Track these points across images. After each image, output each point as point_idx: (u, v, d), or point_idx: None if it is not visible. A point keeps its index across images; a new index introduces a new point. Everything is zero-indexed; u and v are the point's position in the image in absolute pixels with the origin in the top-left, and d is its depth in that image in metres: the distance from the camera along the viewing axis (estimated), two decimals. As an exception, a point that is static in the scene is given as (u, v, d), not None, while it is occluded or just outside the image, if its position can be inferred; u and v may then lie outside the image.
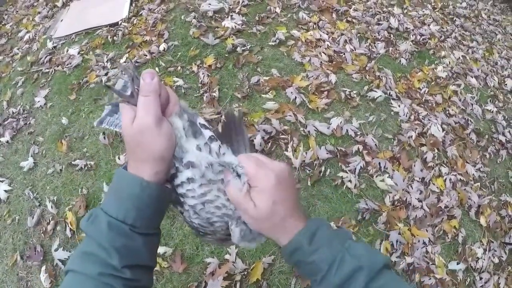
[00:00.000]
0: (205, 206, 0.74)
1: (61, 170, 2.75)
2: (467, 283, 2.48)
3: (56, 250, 2.38)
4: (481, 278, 2.53)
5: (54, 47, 3.70)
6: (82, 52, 3.49)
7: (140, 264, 0.68)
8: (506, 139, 3.42)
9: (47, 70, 3.47)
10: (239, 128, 0.89)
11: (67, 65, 3.41)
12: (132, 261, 0.66)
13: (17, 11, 4.65)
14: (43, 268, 2.35)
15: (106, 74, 3.18)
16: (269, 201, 0.68)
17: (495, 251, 2.68)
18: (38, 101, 3.23)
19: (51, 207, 2.56)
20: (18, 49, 3.98)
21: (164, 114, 0.69)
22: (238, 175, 0.71)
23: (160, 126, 0.65)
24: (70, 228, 2.44)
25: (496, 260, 2.64)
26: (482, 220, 2.75)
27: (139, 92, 0.66)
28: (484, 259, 2.58)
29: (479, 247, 2.62)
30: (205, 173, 0.71)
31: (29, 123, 3.14)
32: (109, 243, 0.63)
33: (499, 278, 2.58)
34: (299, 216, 0.72)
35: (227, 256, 2.24)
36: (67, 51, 3.56)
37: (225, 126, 0.90)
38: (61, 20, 3.99)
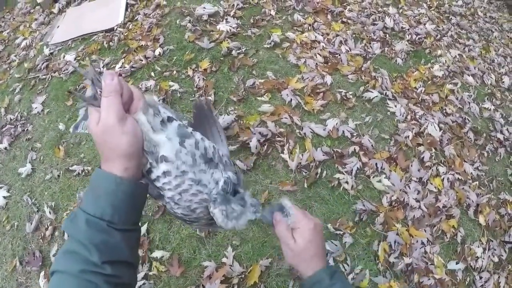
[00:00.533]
0: (182, 196, 0.77)
1: (58, 175, 2.76)
2: (466, 282, 2.47)
3: (54, 255, 2.38)
4: (481, 278, 2.52)
5: (51, 53, 3.71)
6: (79, 58, 3.50)
7: (120, 260, 0.70)
8: (504, 137, 3.42)
9: (44, 77, 3.48)
10: (210, 117, 0.95)
11: (63, 71, 3.42)
12: (112, 257, 0.67)
13: (14, 18, 4.67)
14: (42, 273, 2.36)
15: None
16: (306, 240, 0.91)
17: (495, 250, 2.68)
18: (36, 108, 3.24)
19: (49, 212, 2.57)
20: (15, 56, 4.00)
21: (129, 111, 0.72)
22: (286, 216, 0.95)
23: (123, 124, 0.67)
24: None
25: (496, 259, 2.64)
26: (481, 219, 2.75)
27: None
28: (483, 258, 2.57)
29: (478, 246, 2.62)
30: (179, 166, 0.75)
31: (27, 129, 3.15)
32: (88, 240, 0.65)
33: (499, 277, 2.57)
34: (323, 258, 0.94)
35: (224, 260, 2.24)
36: (64, 57, 3.57)
37: (196, 116, 0.95)
38: (58, 27, 4.01)
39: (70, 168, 2.75)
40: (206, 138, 0.83)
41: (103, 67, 3.29)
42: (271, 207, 0.99)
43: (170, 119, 0.78)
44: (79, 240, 0.66)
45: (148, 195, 0.80)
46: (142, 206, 0.78)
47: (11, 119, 3.27)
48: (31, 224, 2.56)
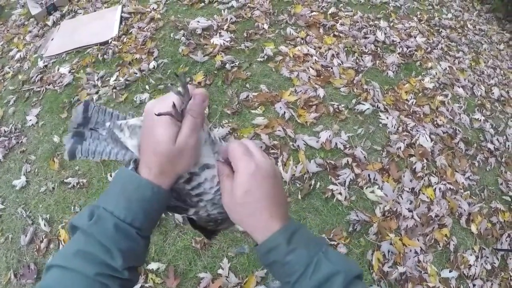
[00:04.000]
0: (216, 195, 0.73)
1: (53, 188, 2.76)
2: (460, 290, 2.50)
3: (49, 268, 2.37)
4: (474, 285, 2.54)
5: (45, 66, 3.73)
6: (73, 70, 3.52)
7: (136, 266, 0.68)
8: (494, 147, 3.46)
9: (38, 89, 3.49)
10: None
11: (58, 83, 3.44)
12: (133, 263, 0.66)
13: (8, 30, 4.68)
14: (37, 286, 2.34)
15: (97, 93, 3.21)
16: (241, 189, 0.66)
17: (487, 257, 2.71)
18: (30, 120, 3.24)
19: (44, 225, 2.57)
20: (9, 68, 4.00)
21: None
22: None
23: (197, 148, 0.66)
24: (63, 246, 2.44)
25: (489, 267, 2.66)
26: (473, 228, 2.78)
27: (187, 109, 0.65)
28: (476, 266, 2.60)
29: (471, 255, 2.65)
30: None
31: (21, 141, 3.15)
32: (114, 245, 0.62)
33: (492, 284, 2.60)
34: (278, 215, 0.68)
35: (220, 271, 2.25)
36: (58, 69, 3.58)
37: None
38: (52, 39, 4.02)
39: (65, 180, 2.75)
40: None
41: (97, 80, 3.31)
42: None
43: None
44: (101, 243, 0.62)
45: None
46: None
47: (5, 131, 3.26)
48: (26, 236, 2.55)
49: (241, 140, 0.73)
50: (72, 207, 2.62)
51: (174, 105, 0.64)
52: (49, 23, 4.34)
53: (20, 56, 4.06)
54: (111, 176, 2.68)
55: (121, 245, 0.62)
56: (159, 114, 0.63)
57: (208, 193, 0.72)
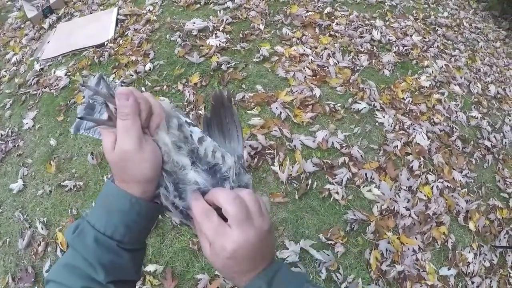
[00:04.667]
0: None
1: (50, 191, 2.76)
2: (459, 288, 2.51)
3: (47, 271, 2.37)
4: (473, 283, 2.55)
5: (41, 69, 3.73)
6: (69, 73, 3.51)
7: (125, 280, 0.66)
8: (491, 144, 3.47)
9: (34, 92, 3.49)
10: (228, 109, 0.82)
11: (54, 86, 3.43)
12: (118, 277, 0.64)
13: (4, 33, 4.67)
14: (35, 289, 2.33)
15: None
16: (219, 265, 0.63)
17: (486, 255, 2.71)
18: (26, 123, 3.24)
19: (42, 228, 2.56)
20: (5, 71, 4.00)
21: (149, 128, 0.64)
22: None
23: (142, 150, 0.60)
24: (61, 249, 2.44)
25: (487, 264, 2.67)
26: (471, 225, 2.79)
27: (116, 113, 0.61)
28: (475, 264, 2.61)
29: (469, 252, 2.66)
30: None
31: (18, 145, 3.14)
32: (95, 258, 0.61)
33: (491, 281, 2.61)
34: (261, 262, 0.65)
35: (217, 272, 2.25)
36: (54, 72, 3.58)
37: (214, 109, 0.83)
38: (48, 42, 4.02)
39: (62, 183, 2.75)
40: (227, 154, 0.73)
41: (94, 82, 3.30)
42: None
43: (192, 124, 0.70)
44: (84, 257, 0.61)
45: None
46: (153, 225, 0.74)
47: (1, 135, 3.26)
48: (23, 240, 2.55)
49: (240, 197, 0.64)
50: (69, 210, 2.62)
51: (90, 114, 0.64)
52: (45, 26, 4.34)
53: (17, 59, 4.06)
54: (108, 178, 2.67)
55: (102, 258, 0.61)
56: (81, 118, 0.62)
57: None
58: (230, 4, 3.99)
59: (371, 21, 4.21)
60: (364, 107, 3.12)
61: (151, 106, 0.64)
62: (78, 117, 0.64)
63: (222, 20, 3.76)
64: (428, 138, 3.11)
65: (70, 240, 0.64)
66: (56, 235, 2.51)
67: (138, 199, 0.63)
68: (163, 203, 0.70)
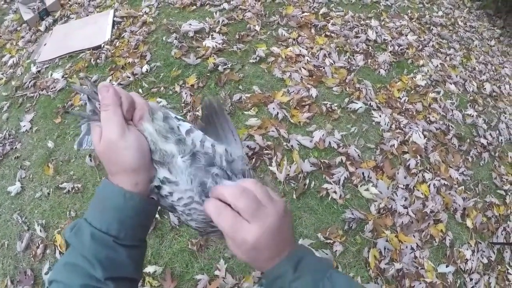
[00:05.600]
0: (191, 212, 0.70)
1: (48, 193, 2.76)
2: (457, 285, 2.52)
3: (46, 273, 2.38)
4: (471, 279, 2.57)
5: (38, 71, 3.72)
6: (66, 75, 3.51)
7: (124, 276, 0.66)
8: (487, 142, 3.50)
9: (31, 95, 3.48)
10: (221, 116, 0.83)
11: (51, 89, 3.43)
12: (116, 273, 0.64)
13: (0, 36, 4.66)
14: (34, 292, 2.32)
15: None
16: (243, 257, 0.64)
17: (484, 251, 2.73)
18: (24, 126, 3.23)
19: (40, 230, 2.56)
20: (2, 74, 3.97)
21: (133, 120, 0.67)
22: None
23: (124, 138, 0.62)
24: (60, 251, 2.44)
25: (485, 261, 2.70)
26: (469, 222, 2.81)
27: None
28: (473, 261, 2.63)
29: (467, 249, 2.68)
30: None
31: (15, 147, 3.14)
32: (92, 254, 0.61)
33: (489, 278, 2.63)
34: (284, 246, 0.66)
35: (217, 272, 2.26)
36: (51, 75, 3.58)
37: (206, 117, 0.84)
38: (45, 44, 4.02)
39: (60, 185, 2.75)
40: (216, 143, 0.74)
41: (91, 84, 3.30)
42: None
43: (180, 119, 0.71)
44: (82, 254, 0.62)
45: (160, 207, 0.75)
46: (151, 222, 0.73)
47: (-1, 138, 3.26)
48: (22, 242, 2.54)
49: (244, 184, 0.66)
50: (68, 212, 2.62)
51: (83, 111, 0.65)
52: (42, 28, 4.33)
53: (13, 62, 4.05)
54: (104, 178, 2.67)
55: (99, 254, 0.62)
56: (67, 112, 0.64)
57: (179, 206, 0.70)
58: (226, 5, 4.01)
59: (367, 21, 4.23)
60: (361, 107, 3.13)
61: (133, 100, 0.67)
62: (65, 112, 0.67)
63: (218, 21, 3.77)
64: (425, 136, 3.13)
65: (67, 238, 0.65)
66: (55, 237, 2.51)
67: (132, 193, 0.64)
68: (162, 205, 0.71)
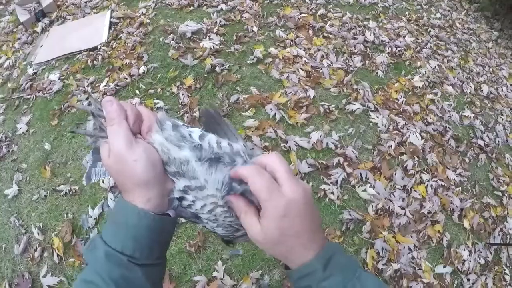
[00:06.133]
0: (217, 217, 0.68)
1: (45, 196, 2.74)
2: (455, 285, 2.53)
3: (44, 276, 2.36)
4: (468, 280, 2.58)
5: (35, 73, 3.70)
6: (63, 77, 3.50)
7: None
8: (484, 143, 3.50)
9: (28, 97, 3.47)
10: (221, 123, 0.80)
11: (48, 90, 3.41)
12: None
13: (-4, 38, 4.66)
14: (32, 295, 2.31)
15: (87, 99, 3.20)
16: (274, 232, 0.61)
17: (481, 252, 2.74)
18: (20, 128, 3.22)
19: (38, 233, 2.55)
20: (-2, 76, 3.98)
21: (141, 133, 0.66)
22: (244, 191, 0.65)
23: (131, 150, 0.62)
24: (57, 254, 2.42)
25: (482, 261, 2.70)
26: (466, 223, 2.81)
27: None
28: (470, 261, 2.64)
29: (464, 250, 2.68)
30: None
31: (12, 150, 3.12)
32: (106, 273, 0.60)
33: (486, 278, 2.63)
34: (313, 241, 0.64)
35: (215, 274, 2.26)
36: (48, 76, 3.56)
37: (206, 124, 0.82)
38: (41, 46, 4.01)
39: (57, 188, 2.73)
40: (232, 142, 0.73)
41: (87, 86, 3.30)
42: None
43: (190, 126, 0.70)
44: (97, 272, 0.61)
45: (183, 219, 0.73)
46: (169, 240, 0.71)
47: (-5, 140, 3.24)
48: (19, 245, 2.53)
49: (265, 160, 0.65)
50: (65, 215, 2.61)
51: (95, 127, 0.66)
52: (38, 29, 4.32)
53: (9, 63, 4.03)
54: (103, 182, 2.67)
55: (113, 273, 0.61)
56: (72, 132, 0.65)
57: (202, 213, 0.68)
58: (223, 6, 4.01)
59: (364, 23, 4.24)
60: (358, 108, 3.14)
61: (139, 112, 0.67)
62: (71, 131, 0.67)
63: (216, 22, 3.77)
64: (422, 137, 3.13)
65: (85, 255, 0.65)
66: (52, 240, 2.50)
67: (146, 212, 0.63)
68: (184, 216, 0.70)
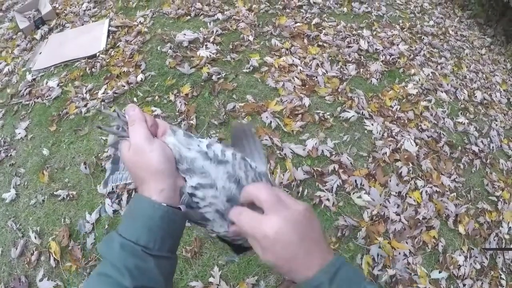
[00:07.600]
0: (225, 216, 0.71)
1: (43, 200, 2.76)
2: (450, 290, 2.54)
3: (40, 280, 2.37)
4: (464, 285, 2.59)
5: (34, 79, 3.72)
6: (61, 84, 3.53)
7: (152, 287, 0.66)
8: (479, 149, 3.53)
9: (27, 102, 3.49)
10: (251, 138, 0.88)
11: (46, 97, 3.44)
12: (144, 283, 0.64)
13: (-5, 44, 4.67)
14: (29, 299, 2.31)
15: (85, 105, 3.22)
16: (280, 245, 0.62)
17: (476, 257, 2.76)
18: (19, 133, 3.23)
19: (35, 237, 2.56)
20: (-3, 81, 3.99)
21: (156, 136, 0.75)
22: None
23: (150, 143, 0.70)
24: (54, 258, 2.44)
25: (478, 266, 2.72)
26: (461, 229, 2.84)
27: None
28: (465, 266, 2.65)
29: (459, 255, 2.70)
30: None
31: (10, 154, 3.13)
32: (121, 263, 0.63)
33: (482, 283, 2.65)
34: (318, 253, 0.64)
35: (211, 279, 2.27)
36: (47, 83, 3.59)
37: (234, 139, 0.90)
38: (40, 53, 4.03)
39: (54, 193, 2.75)
40: (237, 153, 0.77)
41: (86, 93, 3.33)
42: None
43: (200, 137, 0.78)
44: (112, 263, 0.64)
45: (191, 223, 0.77)
46: (180, 234, 0.74)
47: (-6, 145, 3.26)
48: (16, 249, 2.54)
49: (267, 186, 0.68)
50: (62, 219, 2.62)
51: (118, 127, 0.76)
52: (37, 37, 4.34)
53: (9, 69, 4.04)
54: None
55: (128, 263, 0.63)
56: (99, 127, 0.78)
57: (210, 212, 0.72)
58: (220, 15, 4.06)
59: (358, 31, 4.29)
60: (353, 116, 3.17)
61: (155, 119, 0.76)
62: (97, 127, 0.78)
63: (212, 31, 3.81)
64: (416, 144, 3.16)
65: (99, 249, 0.69)
66: (49, 244, 2.51)
67: (160, 204, 0.68)
68: (192, 220, 0.75)
